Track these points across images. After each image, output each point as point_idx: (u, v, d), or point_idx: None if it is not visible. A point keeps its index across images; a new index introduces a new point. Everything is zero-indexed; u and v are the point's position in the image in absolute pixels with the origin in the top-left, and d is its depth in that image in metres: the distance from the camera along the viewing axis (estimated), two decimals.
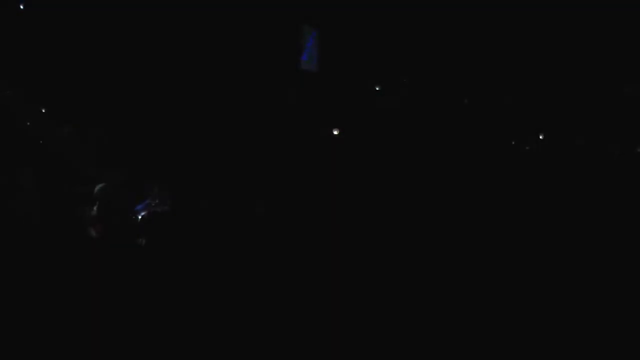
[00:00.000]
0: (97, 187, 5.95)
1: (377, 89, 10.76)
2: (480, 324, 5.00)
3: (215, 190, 6.83)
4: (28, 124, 7.93)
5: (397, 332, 4.85)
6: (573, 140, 10.20)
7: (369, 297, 5.18)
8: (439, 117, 10.37)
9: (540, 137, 9.89)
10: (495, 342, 4.83)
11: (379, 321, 4.92)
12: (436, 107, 10.50)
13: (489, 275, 5.70)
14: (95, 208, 5.78)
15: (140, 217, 5.71)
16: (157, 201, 5.91)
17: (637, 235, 6.68)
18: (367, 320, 4.89)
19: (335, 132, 9.53)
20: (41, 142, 7.77)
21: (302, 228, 6.25)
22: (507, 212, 7.71)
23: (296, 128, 9.76)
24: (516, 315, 5.11)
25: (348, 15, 10.38)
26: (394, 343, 4.76)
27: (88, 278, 4.88)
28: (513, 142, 10.38)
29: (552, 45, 10.14)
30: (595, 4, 9.53)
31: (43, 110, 8.25)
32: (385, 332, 4.84)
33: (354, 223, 6.68)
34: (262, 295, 4.95)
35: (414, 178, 8.92)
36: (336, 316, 4.76)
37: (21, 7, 8.61)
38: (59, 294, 4.77)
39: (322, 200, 7.39)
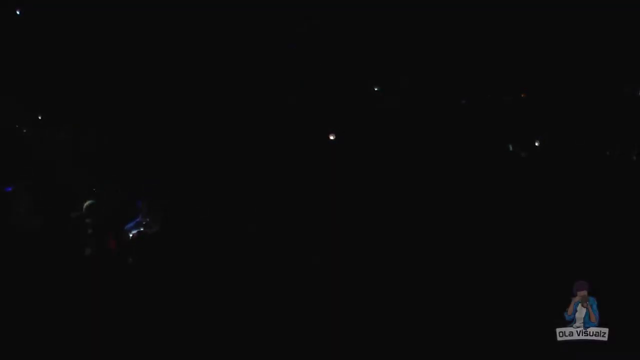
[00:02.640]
0: (86, 204, 5.92)
1: (376, 89, 10.74)
2: (481, 325, 5.00)
3: (208, 204, 6.79)
4: (24, 130, 7.95)
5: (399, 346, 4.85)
6: (572, 140, 10.17)
7: (370, 307, 5.17)
8: (438, 117, 10.34)
9: (536, 144, 9.88)
10: (495, 342, 4.83)
11: (379, 335, 4.91)
12: (436, 107, 10.47)
13: (489, 277, 5.69)
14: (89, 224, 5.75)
15: (130, 235, 5.66)
16: (148, 220, 5.86)
17: (637, 235, 6.66)
18: (367, 333, 4.89)
19: (332, 137, 9.50)
20: (37, 148, 7.78)
21: (301, 237, 6.22)
22: (507, 212, 7.69)
23: (295, 130, 9.74)
24: (517, 315, 5.10)
25: (347, 15, 10.35)
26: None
27: (83, 290, 4.89)
28: (512, 143, 10.36)
29: (552, 46, 10.10)
30: (595, 4, 9.49)
31: (39, 117, 8.26)
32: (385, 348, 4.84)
33: (355, 226, 6.65)
34: (257, 310, 4.94)
35: (414, 180, 8.90)
36: (336, 330, 4.76)
37: (17, 12, 8.60)
38: (55, 304, 4.78)
39: (322, 205, 7.37)
